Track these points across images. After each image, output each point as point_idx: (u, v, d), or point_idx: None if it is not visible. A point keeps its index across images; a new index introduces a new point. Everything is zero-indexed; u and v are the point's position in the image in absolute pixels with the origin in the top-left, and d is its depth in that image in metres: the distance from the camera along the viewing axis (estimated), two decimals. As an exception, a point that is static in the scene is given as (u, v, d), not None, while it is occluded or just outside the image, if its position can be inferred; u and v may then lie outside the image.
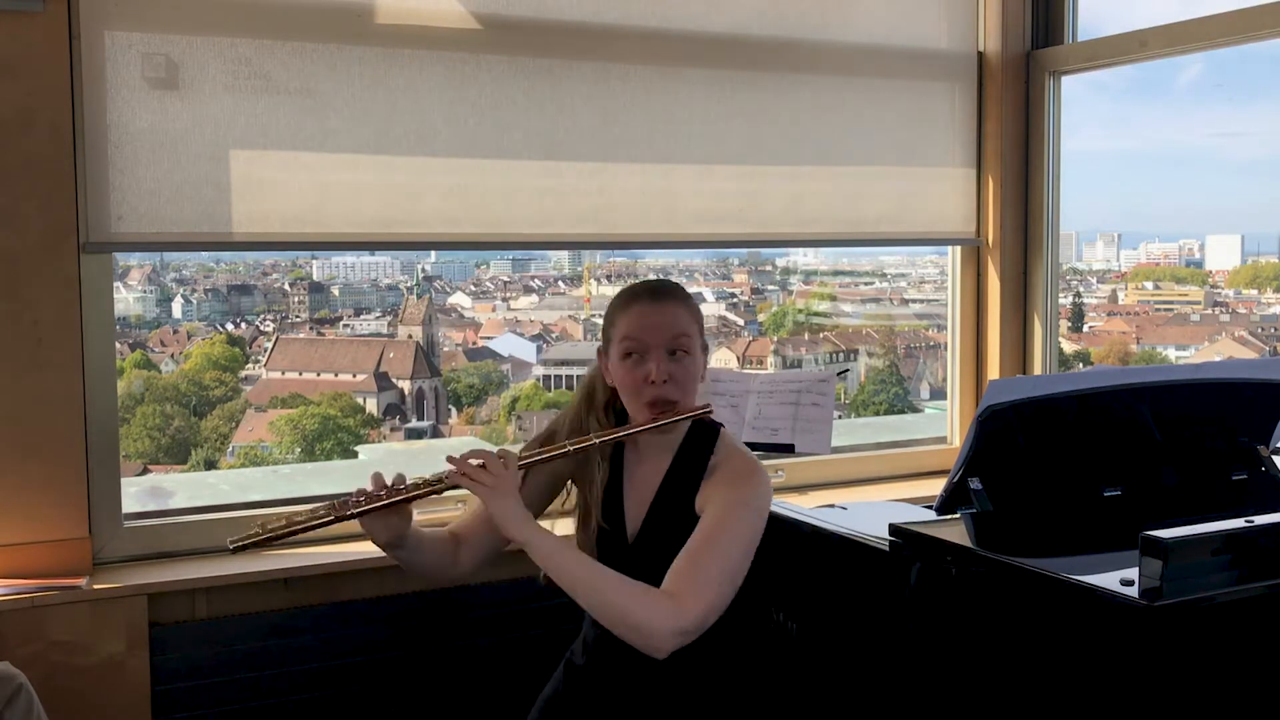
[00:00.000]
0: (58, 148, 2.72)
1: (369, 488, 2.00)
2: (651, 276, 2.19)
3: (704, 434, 2.12)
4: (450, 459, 2.02)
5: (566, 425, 2.19)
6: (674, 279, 2.61)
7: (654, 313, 2.04)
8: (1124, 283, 4.99)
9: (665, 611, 1.84)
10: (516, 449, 2.34)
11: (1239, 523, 2.00)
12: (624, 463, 2.17)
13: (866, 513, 2.64)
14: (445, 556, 2.16)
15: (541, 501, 2.24)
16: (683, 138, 3.46)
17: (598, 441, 2.05)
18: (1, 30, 2.65)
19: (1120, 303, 4.97)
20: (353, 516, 1.97)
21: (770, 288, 5.30)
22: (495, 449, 2.02)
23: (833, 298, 5.20)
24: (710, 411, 2.07)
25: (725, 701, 2.14)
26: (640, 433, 2.06)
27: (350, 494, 2.00)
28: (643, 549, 2.08)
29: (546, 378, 5.01)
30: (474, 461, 2.00)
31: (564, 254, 4.98)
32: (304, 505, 2.12)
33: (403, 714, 3.04)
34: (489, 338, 5.06)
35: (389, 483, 2.01)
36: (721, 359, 4.92)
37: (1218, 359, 3.88)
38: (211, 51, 2.91)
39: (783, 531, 2.66)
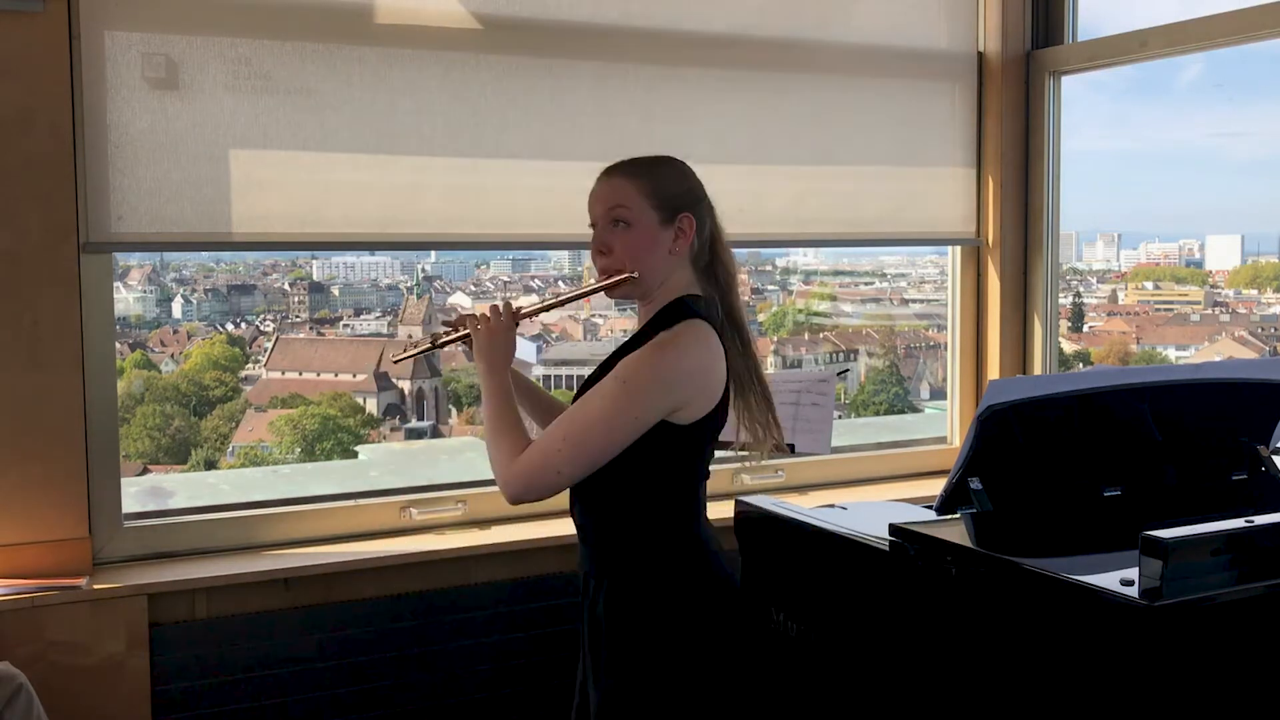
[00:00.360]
0: (58, 148, 2.72)
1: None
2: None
3: (675, 315, 2.07)
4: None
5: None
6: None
7: (598, 189, 2.13)
8: (1124, 283, 4.98)
9: (504, 465, 1.98)
10: None
11: (1239, 523, 2.00)
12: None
13: (866, 513, 2.63)
14: None
15: None
16: (683, 138, 3.46)
17: (551, 305, 2.22)
18: (1, 30, 2.65)
19: (1120, 303, 4.97)
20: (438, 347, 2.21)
21: (770, 288, 5.30)
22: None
23: (833, 298, 5.20)
24: (630, 275, 2.06)
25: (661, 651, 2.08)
26: (577, 297, 2.19)
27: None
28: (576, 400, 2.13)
29: (546, 378, 5.01)
30: (480, 312, 2.16)
31: (564, 254, 4.98)
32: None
33: (402, 714, 3.04)
34: (489, 338, 5.05)
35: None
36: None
37: (1218, 359, 3.88)
38: (211, 51, 2.91)
39: (783, 531, 2.66)
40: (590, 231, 2.16)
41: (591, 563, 2.13)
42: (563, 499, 2.12)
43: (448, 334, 2.19)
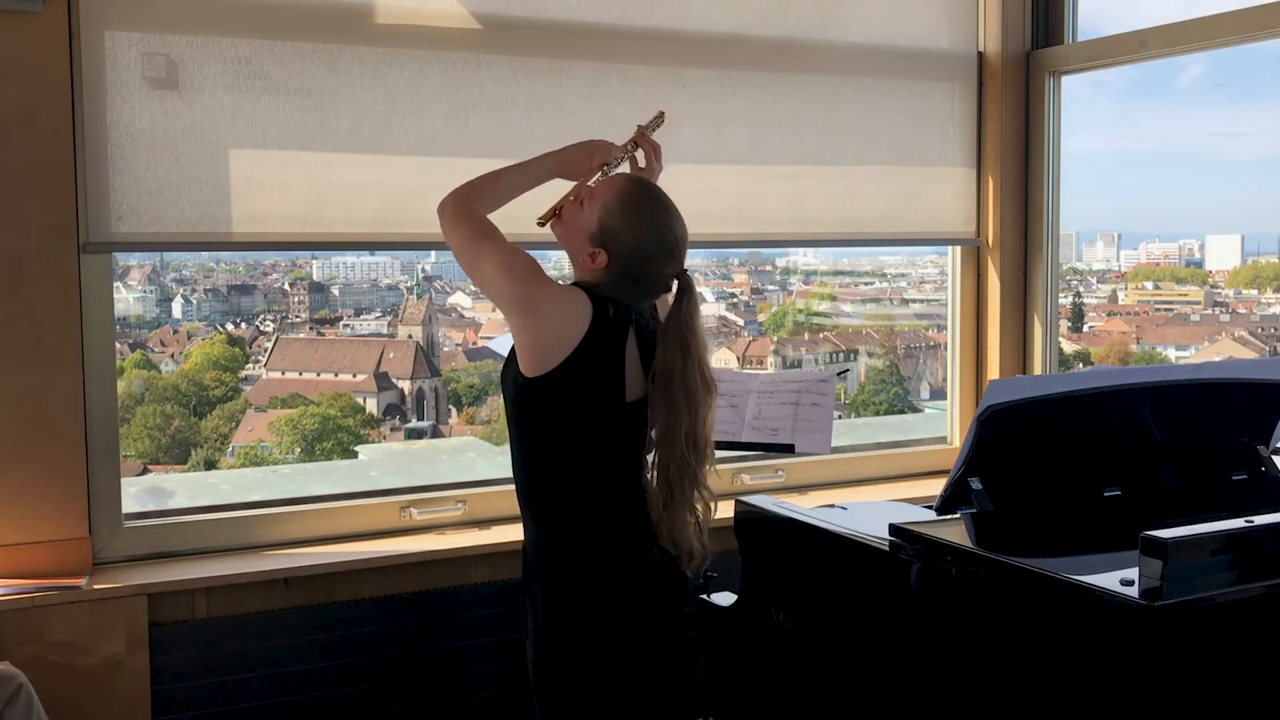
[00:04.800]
0: (58, 148, 2.72)
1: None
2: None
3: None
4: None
5: None
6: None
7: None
8: (1124, 283, 4.98)
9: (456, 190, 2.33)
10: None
11: (1239, 523, 2.00)
12: None
13: (866, 513, 2.63)
14: None
15: None
16: (683, 138, 3.46)
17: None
18: (1, 30, 2.65)
19: (1120, 303, 4.96)
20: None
21: (770, 288, 5.29)
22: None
23: (833, 298, 5.19)
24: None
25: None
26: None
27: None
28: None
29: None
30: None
31: (564, 254, 4.96)
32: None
33: (402, 714, 3.04)
34: (489, 338, 5.05)
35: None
36: (722, 359, 4.91)
37: (1218, 359, 3.88)
38: (211, 51, 2.91)
39: (783, 531, 2.66)
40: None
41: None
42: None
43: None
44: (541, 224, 2.34)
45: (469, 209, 2.26)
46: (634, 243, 2.20)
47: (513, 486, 2.41)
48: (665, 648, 2.30)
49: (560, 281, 2.30)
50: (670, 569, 2.25)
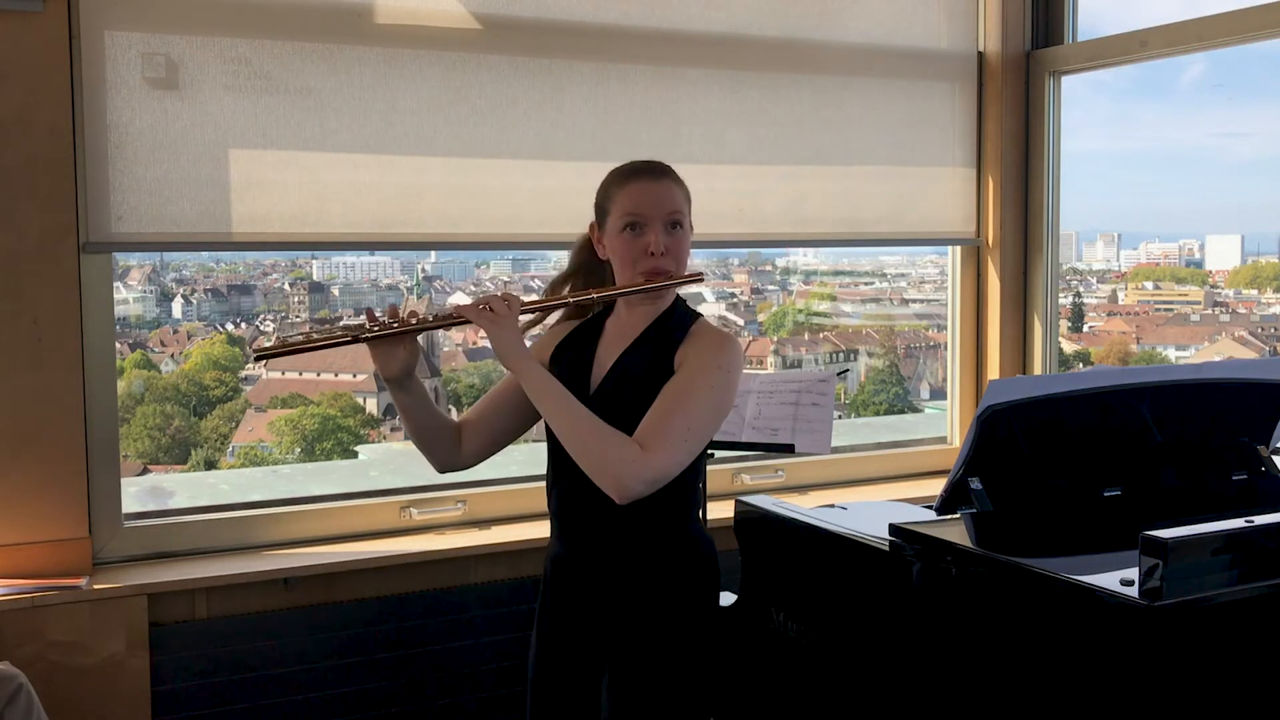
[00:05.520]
0: (58, 148, 2.72)
1: (384, 317, 2.06)
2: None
3: (685, 313, 2.19)
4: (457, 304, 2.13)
5: (563, 290, 2.28)
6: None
7: (654, 188, 2.14)
8: (1124, 283, 4.98)
9: (633, 456, 1.92)
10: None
11: (1239, 523, 2.00)
12: (604, 324, 2.25)
13: (866, 513, 2.63)
14: (449, 434, 2.20)
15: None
16: (683, 138, 3.46)
17: (596, 296, 2.14)
18: (1, 30, 2.65)
19: (1120, 303, 4.96)
20: (366, 339, 2.04)
21: (770, 288, 5.29)
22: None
23: (833, 298, 5.19)
24: (703, 277, 2.14)
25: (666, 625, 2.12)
26: (637, 292, 2.13)
27: (364, 323, 2.07)
28: (600, 401, 2.11)
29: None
30: (482, 305, 2.08)
31: (564, 254, 4.97)
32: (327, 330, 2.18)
33: (402, 714, 3.04)
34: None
35: (410, 314, 2.08)
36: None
37: (1218, 359, 3.88)
38: (211, 51, 2.91)
39: (783, 531, 2.66)
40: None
41: (592, 544, 2.14)
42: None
43: (441, 317, 2.12)
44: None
45: (670, 473, 1.97)
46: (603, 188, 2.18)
47: (513, 486, 2.41)
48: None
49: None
50: None
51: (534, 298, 2.17)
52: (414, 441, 2.21)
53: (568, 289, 2.27)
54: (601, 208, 2.20)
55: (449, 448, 2.20)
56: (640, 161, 2.21)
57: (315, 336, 2.08)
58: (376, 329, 2.04)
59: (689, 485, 2.14)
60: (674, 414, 1.98)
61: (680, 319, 2.15)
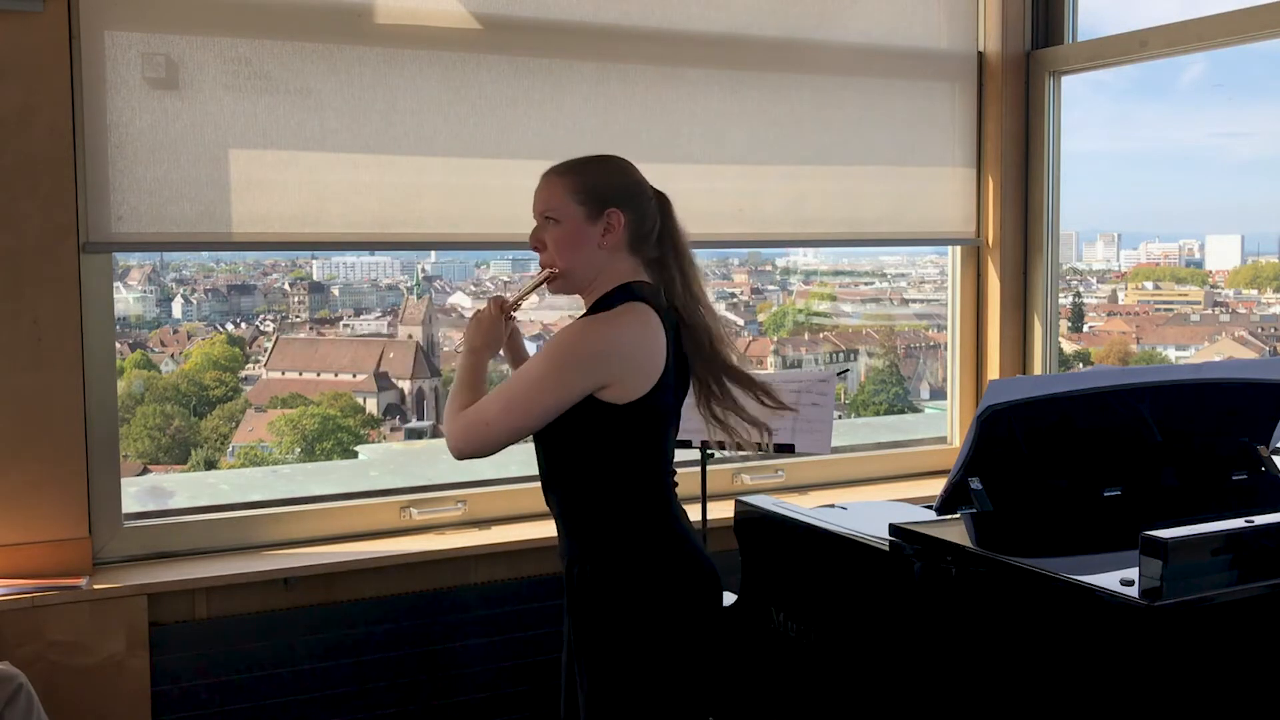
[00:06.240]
0: (58, 148, 2.72)
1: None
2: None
3: (613, 301, 2.12)
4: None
5: None
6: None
7: (538, 185, 2.21)
8: (1124, 283, 4.98)
9: (448, 425, 2.10)
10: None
11: (1239, 523, 2.00)
12: None
13: (866, 513, 2.63)
14: None
15: None
16: (683, 138, 3.46)
17: (512, 300, 2.29)
18: (1, 30, 2.65)
19: (1120, 303, 4.96)
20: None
21: (770, 288, 5.29)
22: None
23: (833, 298, 5.19)
24: (552, 272, 2.16)
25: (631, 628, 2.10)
26: (522, 296, 2.27)
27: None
28: None
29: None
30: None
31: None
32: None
33: (402, 714, 3.04)
34: (489, 337, 5.05)
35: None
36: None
37: (1218, 359, 3.88)
38: (211, 51, 2.91)
39: (783, 531, 2.66)
40: None
41: (567, 549, 2.16)
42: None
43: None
44: (513, 310, 2.30)
45: (473, 439, 2.07)
46: (630, 184, 2.19)
47: (513, 486, 2.42)
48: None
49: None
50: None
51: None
52: None
53: None
54: None
55: None
56: None
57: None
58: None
59: (642, 484, 2.10)
60: (497, 388, 2.10)
61: (604, 307, 2.11)
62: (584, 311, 2.16)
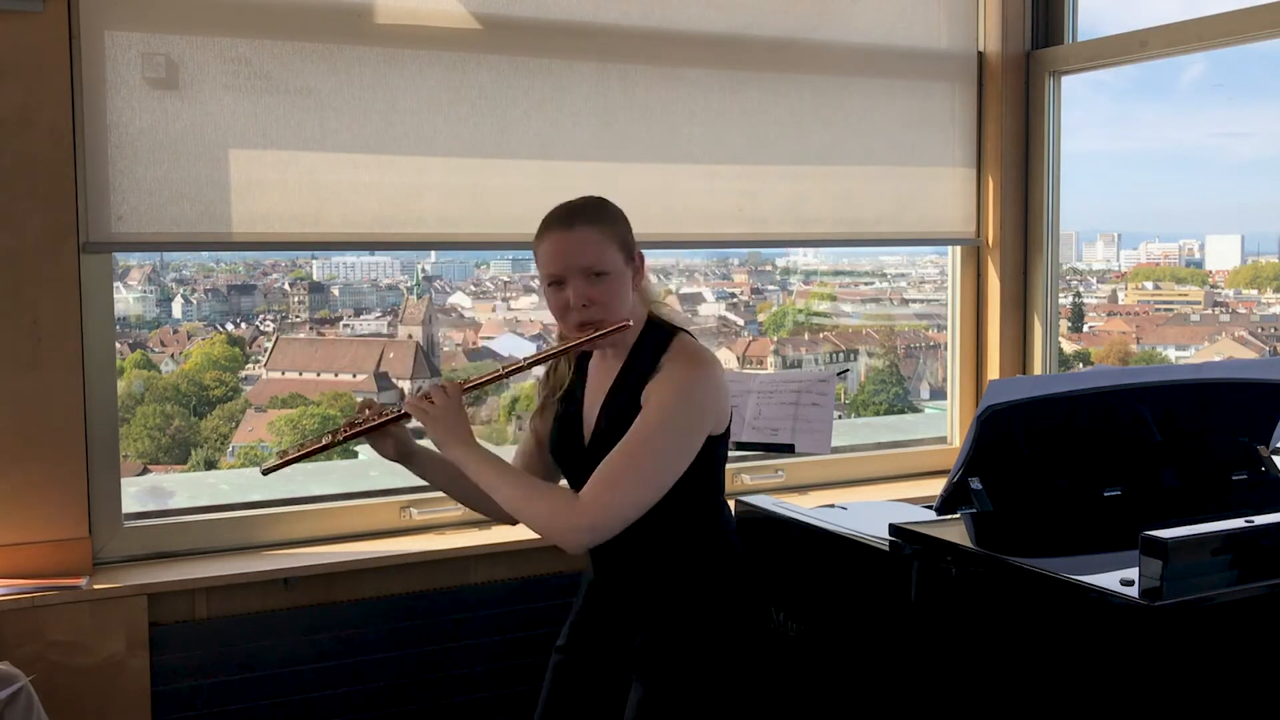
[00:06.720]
0: (58, 148, 2.72)
1: (357, 417, 2.23)
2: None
3: (658, 337, 2.13)
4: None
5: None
6: (673, 279, 2.62)
7: (566, 240, 2.07)
8: (1124, 283, 4.98)
9: (564, 507, 1.96)
10: (514, 448, 2.38)
11: (1239, 523, 2.00)
12: (587, 370, 2.24)
13: (866, 513, 2.64)
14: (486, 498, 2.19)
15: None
16: (683, 138, 3.46)
17: (527, 364, 2.15)
18: (1, 30, 2.65)
19: (1120, 303, 4.97)
20: (349, 440, 2.23)
21: (770, 288, 5.29)
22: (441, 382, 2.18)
23: (833, 298, 5.19)
24: (628, 325, 2.09)
25: (702, 692, 2.13)
26: (562, 353, 2.15)
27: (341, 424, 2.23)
28: (596, 450, 2.10)
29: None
30: (423, 392, 2.16)
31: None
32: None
33: (402, 714, 3.04)
34: (489, 338, 5.05)
35: (365, 413, 2.23)
36: (721, 359, 4.92)
37: (1218, 359, 3.88)
38: (211, 51, 2.91)
39: (783, 531, 2.66)
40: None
41: (622, 608, 2.16)
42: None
43: (378, 416, 2.21)
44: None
45: (614, 521, 1.97)
46: (626, 219, 2.18)
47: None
48: None
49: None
50: None
51: (478, 376, 2.21)
52: (468, 507, 2.29)
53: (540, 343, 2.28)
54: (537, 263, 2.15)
55: (478, 495, 2.17)
56: (559, 207, 2.14)
57: (310, 440, 2.26)
58: (351, 426, 2.20)
59: (702, 501, 2.13)
60: (620, 460, 1.98)
61: (654, 346, 2.11)
62: (623, 356, 2.13)
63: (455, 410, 2.10)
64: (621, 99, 3.37)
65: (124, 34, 2.82)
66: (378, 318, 5.18)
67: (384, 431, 2.20)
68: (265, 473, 2.25)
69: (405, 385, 4.88)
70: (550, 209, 2.15)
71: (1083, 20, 3.89)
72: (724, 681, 2.13)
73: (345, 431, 2.21)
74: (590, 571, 2.28)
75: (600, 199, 2.16)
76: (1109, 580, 1.91)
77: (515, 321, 5.13)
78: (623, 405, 2.08)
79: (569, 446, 2.19)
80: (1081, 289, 4.96)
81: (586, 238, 2.06)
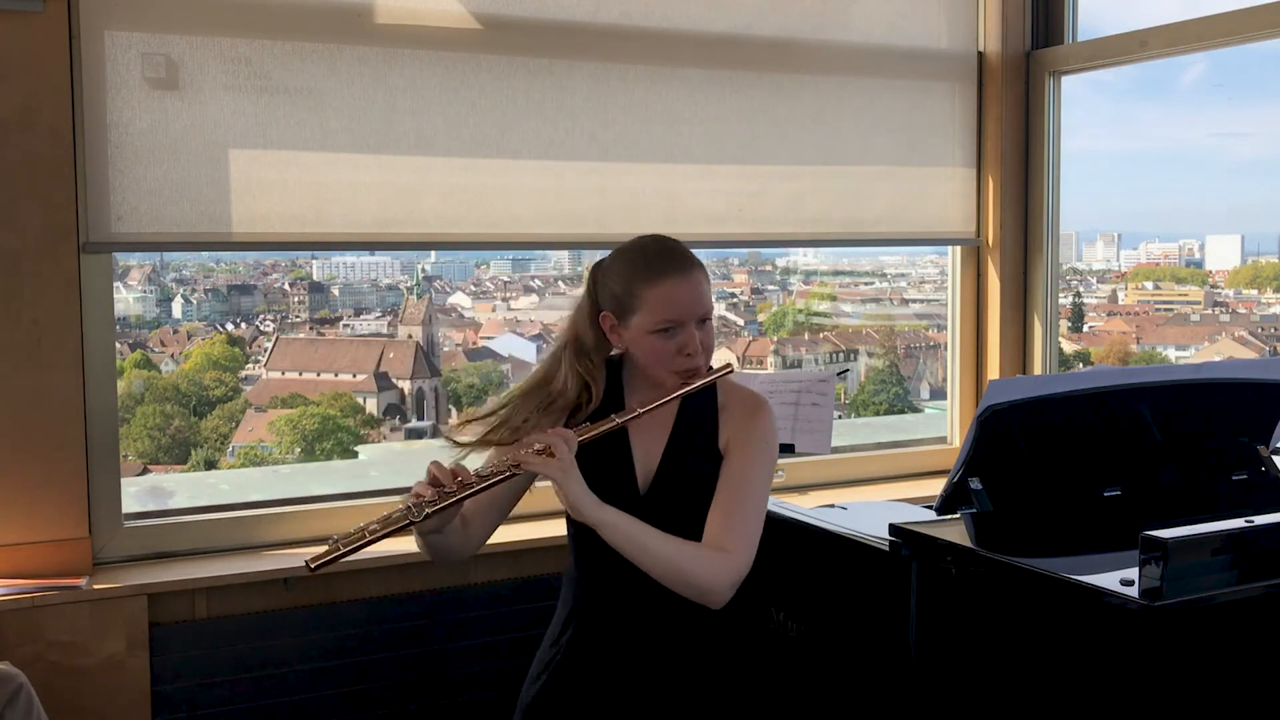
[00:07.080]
0: (58, 148, 2.72)
1: (432, 483, 1.95)
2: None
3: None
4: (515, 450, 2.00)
5: (561, 379, 2.12)
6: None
7: (685, 287, 2.03)
8: (1124, 283, 4.98)
9: (720, 565, 1.97)
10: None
11: (1239, 523, 2.00)
12: (619, 401, 2.14)
13: (866, 513, 2.64)
14: (459, 536, 2.14)
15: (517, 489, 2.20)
16: (683, 138, 3.46)
17: (642, 412, 2.03)
18: (1, 30, 2.65)
19: (1120, 303, 4.97)
20: (429, 518, 1.93)
21: (770, 288, 5.30)
22: (548, 431, 2.00)
23: (833, 298, 5.19)
24: (732, 370, 2.11)
25: (715, 699, 2.13)
26: (678, 397, 2.07)
27: (417, 494, 1.95)
28: (657, 497, 2.08)
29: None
30: (536, 446, 1.96)
31: (564, 254, 4.98)
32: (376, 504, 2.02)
33: (402, 714, 3.04)
34: (489, 338, 5.05)
35: (453, 473, 1.97)
36: (721, 359, 4.92)
37: (1218, 359, 3.88)
38: (211, 51, 2.91)
39: (783, 531, 2.66)
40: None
41: (658, 649, 2.13)
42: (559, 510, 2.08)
43: (499, 472, 1.98)
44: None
45: (737, 569, 2.00)
46: (618, 277, 2.08)
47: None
48: None
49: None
50: None
51: (588, 425, 2.03)
52: (433, 558, 2.16)
53: (564, 370, 2.11)
54: (623, 304, 2.05)
55: (462, 548, 2.16)
56: (660, 250, 2.08)
57: (371, 529, 1.97)
58: (437, 500, 1.93)
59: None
60: (741, 508, 2.03)
61: (702, 396, 2.12)
62: (668, 392, 2.08)
63: (575, 465, 1.95)
64: (621, 99, 3.37)
65: (124, 34, 2.82)
66: (378, 318, 5.18)
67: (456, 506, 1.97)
68: (314, 569, 2.01)
69: (405, 385, 4.88)
70: (640, 248, 2.08)
71: (1083, 20, 3.89)
72: (724, 681, 2.12)
73: (428, 507, 1.93)
74: (577, 587, 2.23)
75: (677, 242, 2.13)
76: (1109, 580, 1.91)
77: (515, 321, 5.14)
78: (692, 450, 2.09)
79: (618, 496, 2.03)
80: (1081, 289, 4.97)
81: (703, 281, 2.07)
